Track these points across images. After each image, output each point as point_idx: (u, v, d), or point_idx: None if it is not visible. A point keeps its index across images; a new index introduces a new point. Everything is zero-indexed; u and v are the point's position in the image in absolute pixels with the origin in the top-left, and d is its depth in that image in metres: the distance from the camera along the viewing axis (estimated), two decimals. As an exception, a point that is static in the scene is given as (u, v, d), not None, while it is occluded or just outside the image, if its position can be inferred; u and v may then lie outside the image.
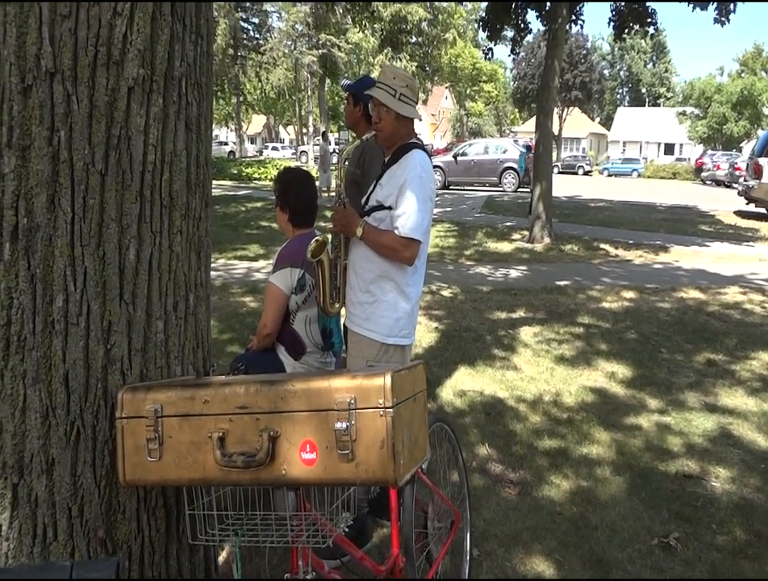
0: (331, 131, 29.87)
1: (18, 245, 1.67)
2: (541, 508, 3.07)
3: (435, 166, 18.10)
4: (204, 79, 1.97)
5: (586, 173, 41.37)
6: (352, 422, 1.50)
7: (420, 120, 2.77)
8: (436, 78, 46.19)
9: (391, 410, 1.49)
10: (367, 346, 2.55)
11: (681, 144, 54.89)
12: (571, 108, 51.84)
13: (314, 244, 2.47)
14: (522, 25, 12.94)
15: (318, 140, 39.23)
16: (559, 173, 37.07)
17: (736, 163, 26.87)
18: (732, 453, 3.65)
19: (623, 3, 12.42)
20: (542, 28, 12.98)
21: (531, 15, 12.88)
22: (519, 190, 21.69)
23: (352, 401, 1.50)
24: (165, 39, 1.78)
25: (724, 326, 6.19)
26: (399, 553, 2.07)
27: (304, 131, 50.74)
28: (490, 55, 14.27)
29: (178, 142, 1.86)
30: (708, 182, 32.17)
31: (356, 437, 1.50)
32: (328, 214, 2.58)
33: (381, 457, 1.49)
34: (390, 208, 2.48)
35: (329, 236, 2.66)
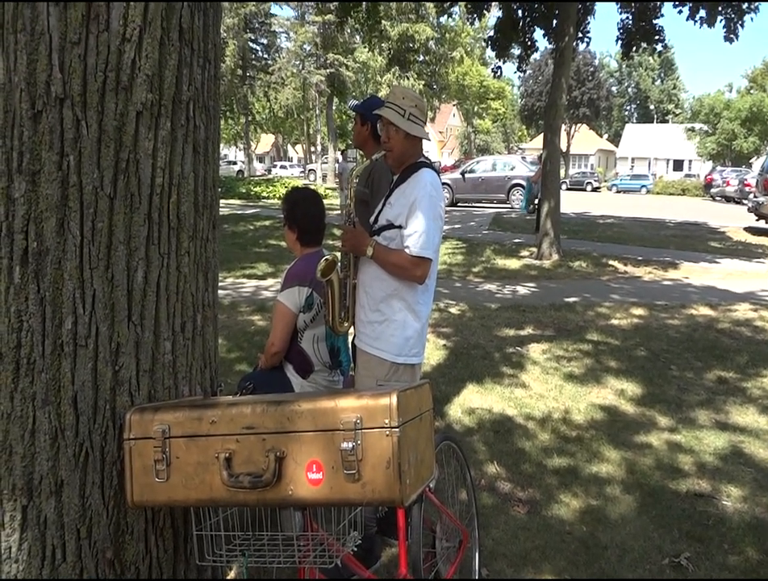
0: (340, 149, 30.00)
1: (28, 269, 1.70)
2: (551, 527, 3.04)
3: (443, 184, 18.08)
4: (212, 102, 2.01)
5: (594, 190, 41.34)
6: (358, 442, 1.50)
7: (429, 140, 2.80)
8: (444, 96, 46.45)
9: (397, 430, 1.50)
10: (377, 365, 2.55)
11: (690, 161, 54.81)
12: (579, 125, 51.94)
13: (323, 264, 2.48)
14: (529, 43, 13.04)
15: (326, 158, 39.57)
16: (567, 189, 37.09)
17: (746, 179, 26.80)
18: (743, 471, 3.61)
19: (630, 21, 12.50)
20: (549, 46, 13.09)
21: (538, 33, 13.00)
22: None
23: (358, 421, 1.51)
24: (173, 64, 1.82)
25: (734, 343, 6.15)
26: (407, 572, 2.05)
27: (312, 149, 51.17)
28: (499, 73, 14.35)
29: (186, 165, 1.89)
30: (718, 199, 32.07)
31: (363, 457, 1.51)
32: (337, 232, 2.59)
33: (388, 477, 1.49)
34: (399, 227, 2.49)
35: (338, 255, 2.67)
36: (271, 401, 1.61)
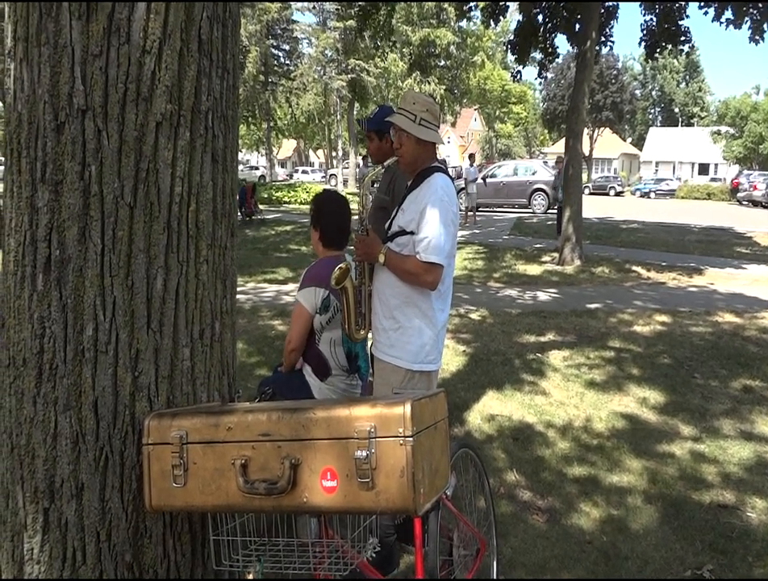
0: (361, 154, 30.10)
1: (50, 276, 1.74)
2: (570, 537, 3.01)
3: (463, 189, 18.12)
4: (230, 112, 2.03)
5: (617, 194, 40.94)
6: (372, 450, 1.51)
7: (442, 144, 2.80)
8: (465, 100, 46.41)
9: (411, 439, 1.50)
10: (392, 373, 2.55)
11: (716, 164, 54.12)
12: (602, 129, 51.58)
13: (337, 272, 2.49)
14: (550, 49, 12.97)
15: (347, 163, 39.70)
16: (590, 194, 36.80)
17: (773, 182, 26.40)
18: (768, 481, 3.55)
19: (654, 23, 12.37)
20: (571, 50, 12.99)
21: (560, 38, 12.90)
22: (549, 211, 21.51)
23: (372, 429, 1.52)
24: (193, 74, 1.84)
25: (760, 351, 6.05)
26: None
27: (333, 154, 51.36)
28: (518, 77, 14.30)
29: (205, 174, 1.92)
30: (745, 203, 31.63)
31: (377, 466, 1.51)
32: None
33: (401, 486, 1.49)
34: (411, 233, 2.49)
35: (353, 263, 2.68)
36: (287, 408, 1.62)
